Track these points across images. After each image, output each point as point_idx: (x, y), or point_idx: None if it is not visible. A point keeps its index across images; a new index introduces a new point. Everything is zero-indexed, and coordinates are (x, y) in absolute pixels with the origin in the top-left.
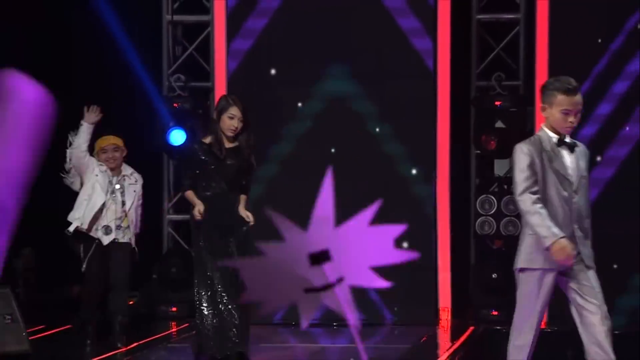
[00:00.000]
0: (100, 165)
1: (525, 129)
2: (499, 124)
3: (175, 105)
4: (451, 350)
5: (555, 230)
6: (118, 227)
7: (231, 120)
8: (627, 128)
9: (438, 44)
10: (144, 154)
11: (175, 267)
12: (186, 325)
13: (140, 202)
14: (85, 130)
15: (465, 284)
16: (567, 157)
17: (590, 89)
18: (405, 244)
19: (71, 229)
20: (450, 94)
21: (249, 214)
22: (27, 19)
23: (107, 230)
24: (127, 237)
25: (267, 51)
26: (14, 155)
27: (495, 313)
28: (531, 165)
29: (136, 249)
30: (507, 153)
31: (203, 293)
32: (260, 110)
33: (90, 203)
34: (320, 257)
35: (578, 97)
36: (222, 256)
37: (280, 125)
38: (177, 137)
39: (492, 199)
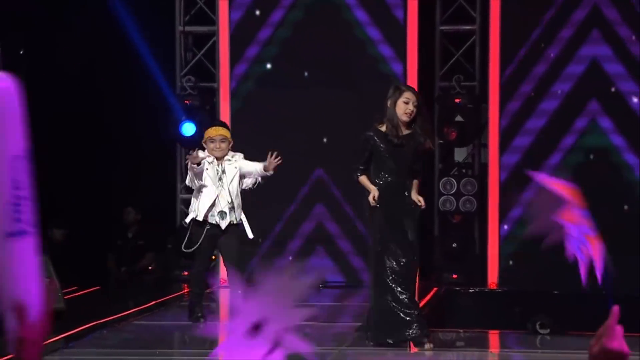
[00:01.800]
0: (208, 157)
1: (480, 122)
2: (459, 118)
3: (186, 102)
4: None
5: None
6: (231, 209)
7: (406, 105)
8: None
9: (407, 51)
10: (161, 142)
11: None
12: None
13: (250, 175)
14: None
15: (430, 252)
16: None
17: (534, 89)
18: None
19: (188, 220)
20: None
21: (420, 198)
22: (53, 23)
23: (222, 215)
24: (238, 216)
25: (266, 55)
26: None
27: (454, 277)
28: None
29: (246, 226)
30: (465, 142)
31: (376, 281)
32: (257, 106)
33: (203, 196)
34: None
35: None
36: (399, 244)
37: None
38: (188, 128)
39: (453, 181)
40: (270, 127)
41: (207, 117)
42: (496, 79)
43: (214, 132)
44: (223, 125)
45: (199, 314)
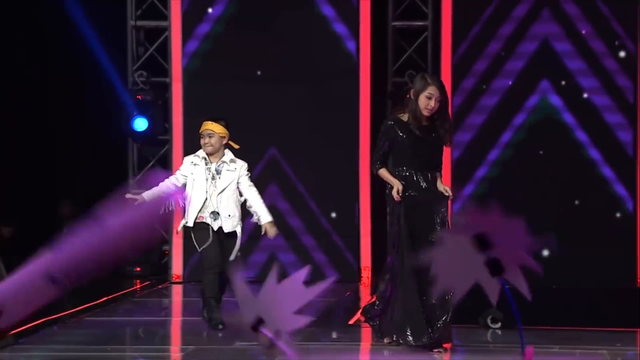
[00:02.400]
0: (195, 157)
1: None
2: None
3: (138, 97)
4: (370, 301)
5: None
6: (227, 217)
7: (429, 100)
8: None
9: (360, 47)
10: (113, 137)
11: None
12: (147, 282)
13: (249, 190)
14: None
15: (383, 247)
16: None
17: (474, 85)
18: (333, 214)
19: (179, 229)
20: (370, 89)
21: (447, 188)
22: (6, 19)
23: (215, 216)
24: (232, 225)
25: (216, 51)
26: None
27: None
28: None
29: (238, 233)
30: None
31: (393, 278)
32: (210, 99)
33: (191, 200)
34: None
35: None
36: (427, 236)
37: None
38: (140, 124)
39: None
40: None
41: (159, 112)
42: (448, 75)
43: (202, 126)
44: (214, 119)
45: (218, 322)
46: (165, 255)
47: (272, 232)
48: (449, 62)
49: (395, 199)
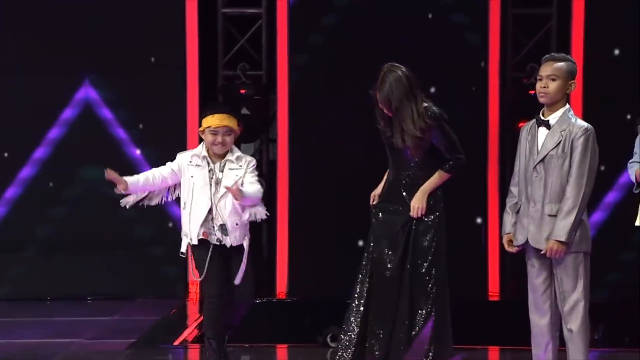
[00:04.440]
0: (195, 157)
1: (268, 115)
2: (245, 111)
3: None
4: (199, 320)
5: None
6: (234, 224)
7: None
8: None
9: (187, 37)
10: None
11: None
12: None
13: (251, 186)
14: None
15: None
16: (541, 135)
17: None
18: (170, 224)
19: (183, 249)
20: (199, 83)
21: (418, 206)
22: None
23: (223, 230)
24: (238, 237)
25: None
26: None
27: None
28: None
29: (245, 247)
30: (252, 137)
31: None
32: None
33: (192, 211)
34: None
35: (548, 64)
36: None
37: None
38: None
39: None
40: None
41: None
42: (284, 69)
43: (217, 121)
44: (228, 111)
45: None
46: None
47: (232, 187)
48: (285, 54)
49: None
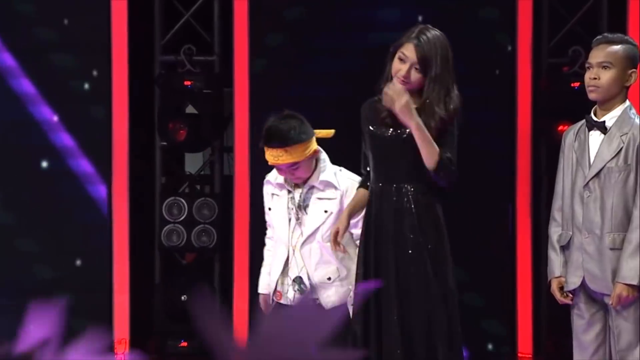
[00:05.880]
0: (269, 184)
1: (222, 115)
2: (190, 109)
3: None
4: None
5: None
6: (325, 279)
7: (400, 64)
8: None
9: (112, 9)
10: None
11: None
12: None
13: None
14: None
15: (148, 308)
16: (594, 142)
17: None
18: (78, 262)
19: (263, 305)
20: (129, 70)
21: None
22: None
23: (300, 286)
24: (333, 297)
25: None
26: None
27: (184, 344)
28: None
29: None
30: (200, 145)
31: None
32: None
33: (274, 251)
34: None
35: (599, 49)
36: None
37: None
38: None
39: (182, 203)
40: None
41: None
42: (244, 53)
43: (270, 158)
44: (283, 143)
45: None
46: None
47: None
48: (245, 34)
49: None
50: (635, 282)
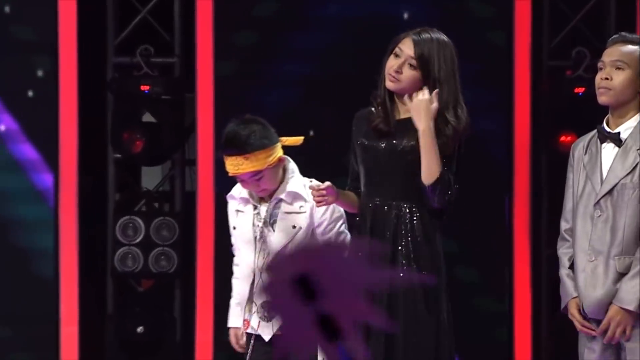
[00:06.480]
0: (232, 199)
1: (183, 124)
2: (148, 117)
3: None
4: None
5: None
6: None
7: (394, 60)
8: None
9: (59, 5)
10: None
11: None
12: None
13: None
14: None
15: (100, 341)
16: (606, 155)
17: None
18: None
19: (233, 340)
20: (78, 73)
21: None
22: None
23: (264, 314)
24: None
25: None
26: None
27: None
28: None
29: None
30: (158, 157)
31: None
32: None
33: (239, 280)
34: None
35: (614, 47)
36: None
37: None
38: None
39: (139, 223)
40: None
41: None
42: (208, 54)
43: (230, 167)
44: (243, 150)
45: None
46: None
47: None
48: (210, 33)
49: None
50: (631, 308)
